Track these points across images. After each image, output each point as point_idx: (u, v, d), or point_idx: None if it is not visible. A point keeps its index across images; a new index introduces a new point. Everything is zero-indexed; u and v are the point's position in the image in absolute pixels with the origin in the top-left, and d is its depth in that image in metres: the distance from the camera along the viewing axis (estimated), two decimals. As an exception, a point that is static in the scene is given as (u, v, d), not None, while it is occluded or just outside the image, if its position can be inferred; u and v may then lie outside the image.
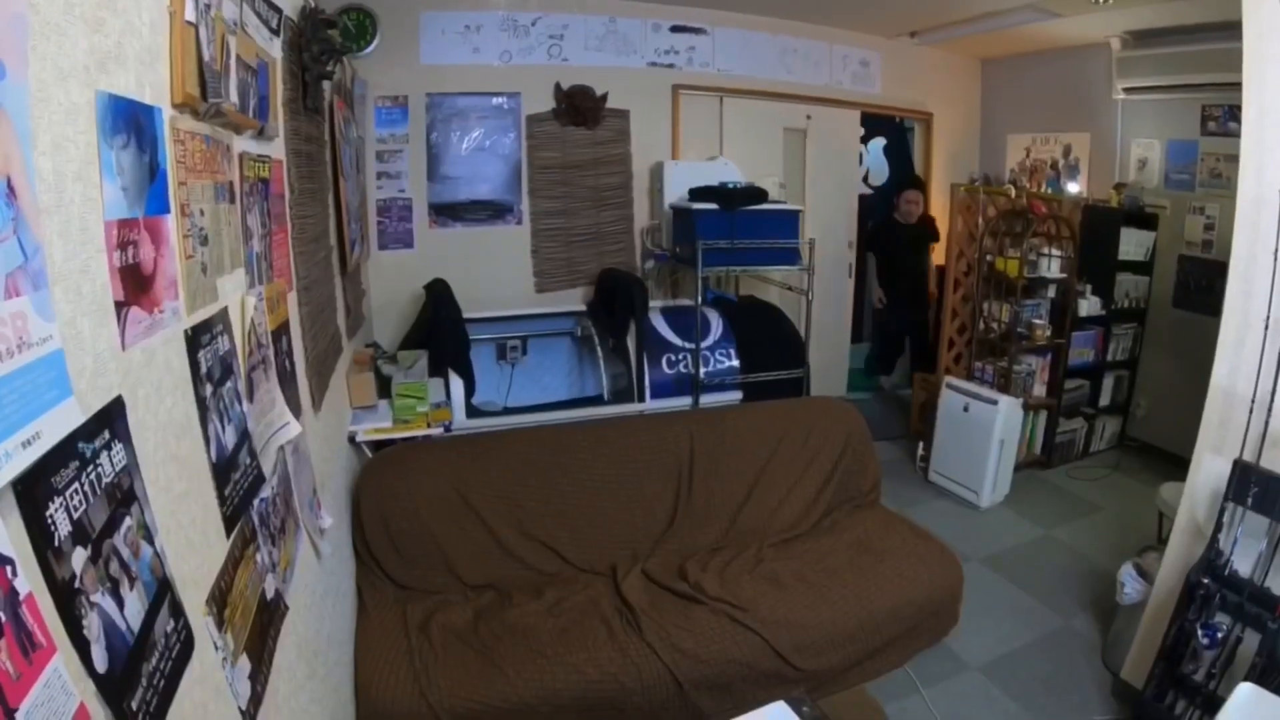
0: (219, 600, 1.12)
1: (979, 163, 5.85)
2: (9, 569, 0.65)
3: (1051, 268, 4.47)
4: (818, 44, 5.13)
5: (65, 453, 0.74)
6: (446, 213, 4.35)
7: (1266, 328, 2.14)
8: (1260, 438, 2.16)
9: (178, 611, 0.98)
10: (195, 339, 1.12)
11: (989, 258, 4.57)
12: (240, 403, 1.31)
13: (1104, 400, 4.90)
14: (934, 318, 5.55)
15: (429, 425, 2.88)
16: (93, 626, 0.76)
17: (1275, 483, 2.06)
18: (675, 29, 4.69)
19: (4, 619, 0.63)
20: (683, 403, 3.87)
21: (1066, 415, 4.75)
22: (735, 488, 2.94)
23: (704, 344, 3.94)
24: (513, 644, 2.26)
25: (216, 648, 1.09)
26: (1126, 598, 2.64)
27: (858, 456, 3.11)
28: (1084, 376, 4.80)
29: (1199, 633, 2.15)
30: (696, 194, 3.97)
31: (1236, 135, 2.28)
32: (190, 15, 1.09)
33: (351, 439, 2.77)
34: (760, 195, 3.99)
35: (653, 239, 4.64)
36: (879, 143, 6.29)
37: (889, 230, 5.59)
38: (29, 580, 0.68)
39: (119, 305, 0.89)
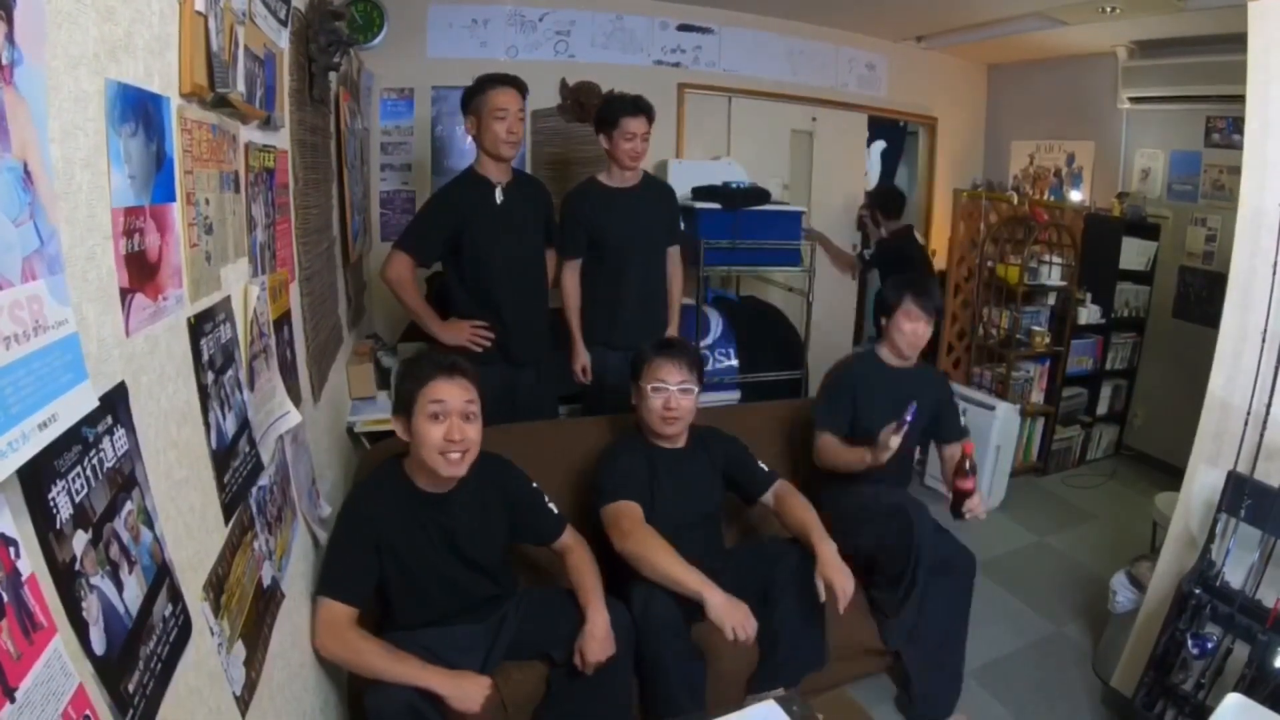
0: (216, 586, 1.13)
1: (983, 168, 5.85)
2: (12, 550, 0.66)
3: (1052, 275, 4.48)
4: (824, 46, 5.13)
5: (68, 437, 0.75)
6: (450, 206, 4.35)
7: (1264, 341, 2.15)
8: (1255, 450, 2.16)
9: (176, 596, 0.98)
10: (198, 327, 1.13)
11: (990, 263, 4.58)
12: (241, 391, 1.32)
13: (1101, 409, 4.91)
14: None
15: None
16: (92, 609, 0.77)
17: (1269, 495, 2.07)
18: (682, 28, 4.69)
19: (5, 600, 0.64)
20: (681, 401, 3.87)
21: (1064, 423, 4.75)
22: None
23: (703, 343, 3.95)
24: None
25: (212, 633, 1.10)
26: (1118, 606, 2.65)
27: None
28: (1082, 384, 4.80)
29: (1189, 642, 2.15)
30: (699, 193, 3.97)
31: (1240, 148, 2.28)
32: (199, 5, 1.10)
33: (350, 430, 2.78)
34: (763, 196, 4.00)
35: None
36: (879, 145, 6.27)
37: (909, 245, 4.81)
38: (31, 562, 0.69)
39: (124, 292, 0.90)
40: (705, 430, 2.47)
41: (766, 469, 2.45)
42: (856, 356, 2.94)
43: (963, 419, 4.15)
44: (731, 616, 1.93)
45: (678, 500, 2.29)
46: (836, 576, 2.08)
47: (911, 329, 2.61)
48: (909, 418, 2.29)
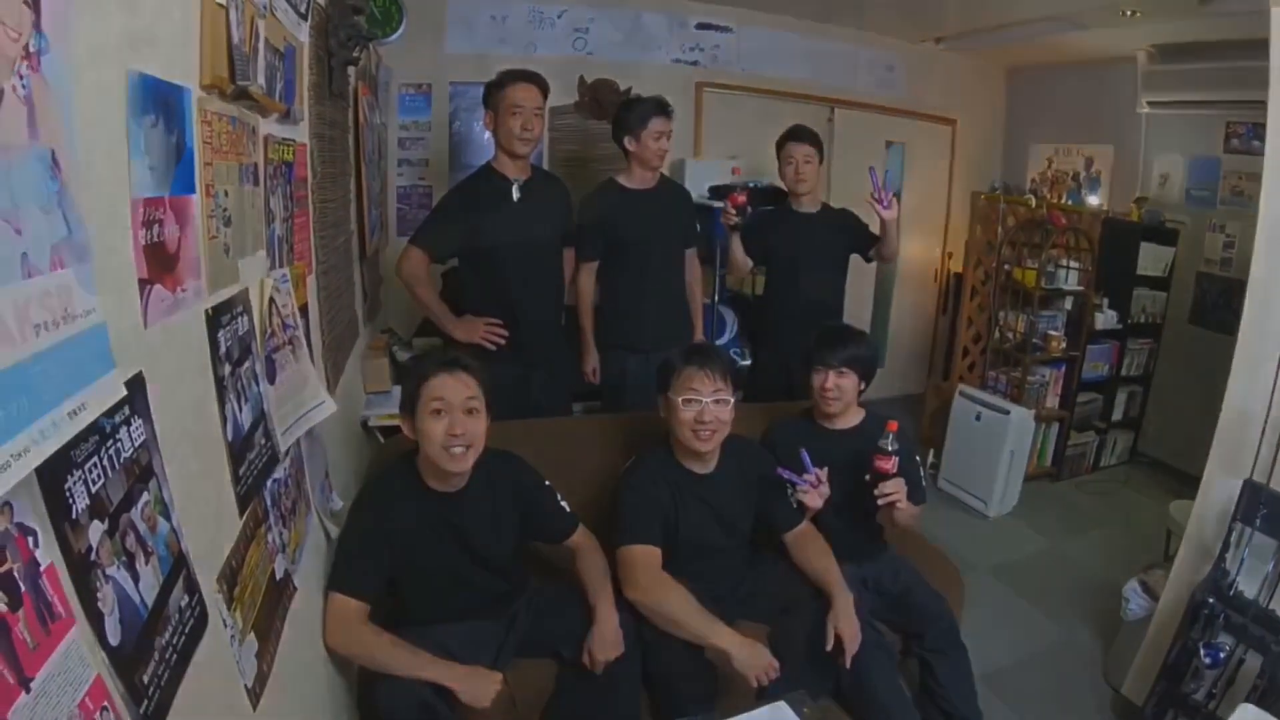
0: (229, 578, 1.14)
1: (1000, 171, 5.82)
2: (30, 540, 0.66)
3: (1069, 279, 4.45)
4: (843, 46, 5.11)
5: (85, 427, 0.75)
6: (465, 202, 4.35)
7: (1283, 349, 2.13)
8: (1271, 459, 2.14)
9: (193, 587, 0.99)
10: (216, 319, 1.14)
11: (1007, 267, 4.55)
12: (258, 383, 1.32)
13: (1116, 415, 4.87)
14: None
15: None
16: (107, 599, 0.78)
17: (1285, 505, 2.06)
18: (700, 26, 4.69)
19: (23, 589, 0.65)
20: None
21: (1078, 428, 4.72)
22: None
23: (718, 342, 3.94)
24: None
25: (225, 625, 1.11)
26: (1130, 614, 2.63)
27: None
28: (1097, 390, 4.77)
29: (1201, 652, 2.14)
30: (716, 192, 3.96)
31: (1260, 153, 2.26)
32: (222, -2, 1.10)
33: (364, 424, 2.79)
34: (780, 195, 3.99)
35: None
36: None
37: (776, 224, 3.36)
38: (48, 552, 0.69)
39: (143, 283, 0.90)
40: (739, 442, 2.32)
41: (795, 505, 2.29)
42: (775, 425, 2.62)
43: (977, 422, 4.14)
44: (755, 666, 1.90)
45: (704, 527, 2.20)
46: (846, 628, 2.03)
47: (819, 385, 2.38)
48: (808, 467, 2.23)
